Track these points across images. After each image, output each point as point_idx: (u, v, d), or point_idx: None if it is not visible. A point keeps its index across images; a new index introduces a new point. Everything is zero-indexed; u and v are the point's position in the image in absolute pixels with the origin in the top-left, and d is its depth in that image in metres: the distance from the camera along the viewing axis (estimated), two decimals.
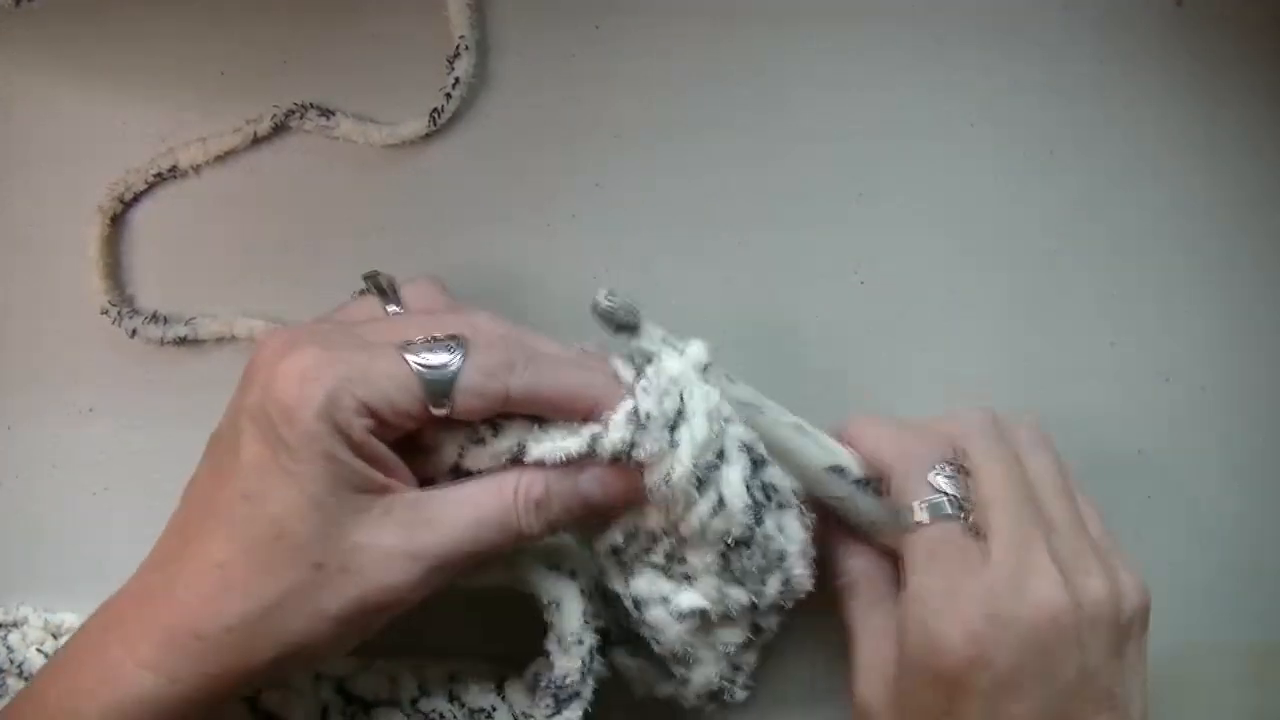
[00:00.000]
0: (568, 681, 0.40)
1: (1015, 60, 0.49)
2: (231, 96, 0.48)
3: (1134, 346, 0.49)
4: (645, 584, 0.41)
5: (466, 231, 0.48)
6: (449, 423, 0.38)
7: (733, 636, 0.42)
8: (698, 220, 0.49)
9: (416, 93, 0.48)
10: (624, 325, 0.40)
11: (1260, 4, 0.49)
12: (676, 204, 0.49)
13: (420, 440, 0.39)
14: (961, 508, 0.40)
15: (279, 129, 0.48)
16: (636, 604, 0.41)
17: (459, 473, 0.39)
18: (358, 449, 0.36)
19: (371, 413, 0.37)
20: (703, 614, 0.41)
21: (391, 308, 0.41)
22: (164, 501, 0.38)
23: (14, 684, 0.45)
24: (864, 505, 0.42)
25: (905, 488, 0.41)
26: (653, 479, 0.38)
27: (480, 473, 0.39)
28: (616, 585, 0.41)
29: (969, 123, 0.49)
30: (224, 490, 0.36)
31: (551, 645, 0.41)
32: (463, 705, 0.43)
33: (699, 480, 0.38)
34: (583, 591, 0.41)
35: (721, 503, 0.39)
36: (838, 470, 0.42)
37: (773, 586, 0.41)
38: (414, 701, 0.43)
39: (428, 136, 0.48)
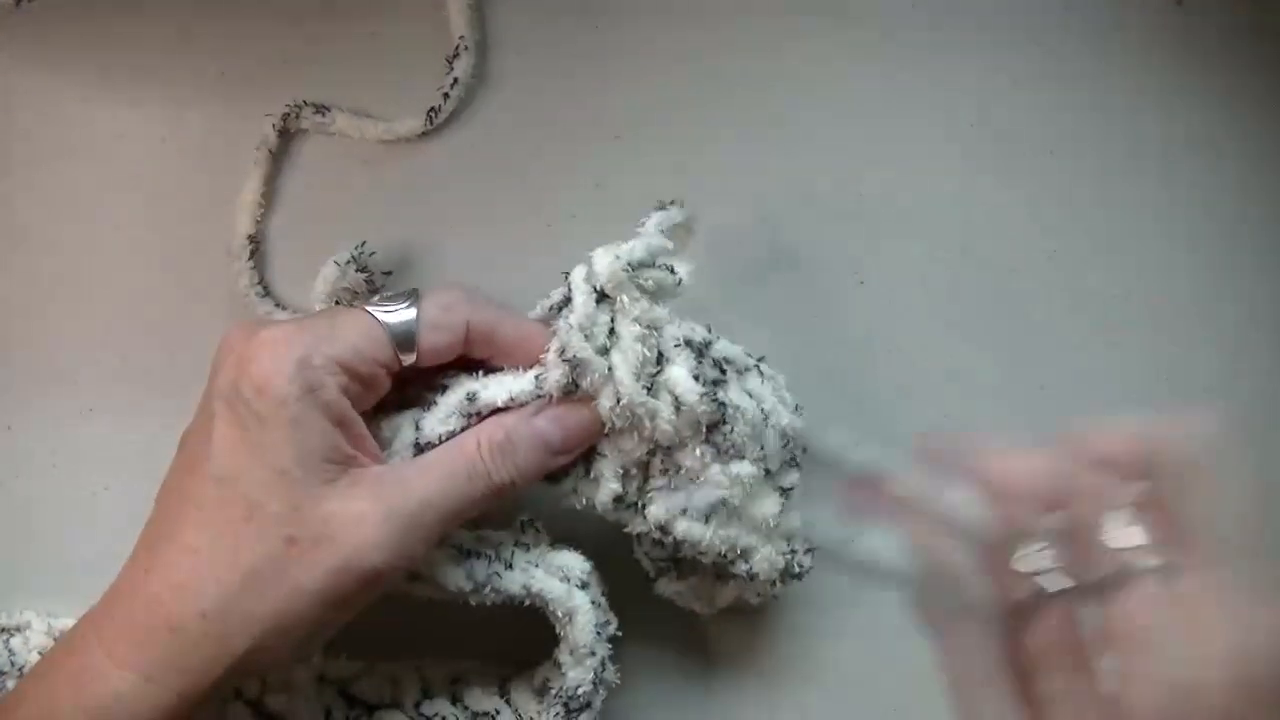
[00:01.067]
0: (580, 692, 0.40)
1: (1015, 60, 0.49)
2: (231, 96, 0.48)
3: (1134, 346, 0.49)
4: (659, 507, 0.41)
5: (466, 231, 0.48)
6: (404, 399, 0.40)
7: (767, 508, 0.41)
8: (697, 221, 0.48)
9: (417, 93, 0.48)
10: None
11: (1260, 4, 0.49)
12: None
13: (378, 431, 0.40)
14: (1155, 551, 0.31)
15: (283, 134, 0.48)
16: (663, 530, 0.41)
17: (419, 451, 0.40)
18: (328, 410, 0.37)
19: (343, 367, 0.37)
20: (724, 503, 0.40)
21: None
22: None
23: (14, 686, 0.45)
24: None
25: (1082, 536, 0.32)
26: (605, 407, 0.39)
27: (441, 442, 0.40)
28: (638, 527, 0.41)
29: (969, 123, 0.49)
30: (195, 478, 0.37)
31: (564, 656, 0.41)
32: (466, 708, 0.43)
33: (648, 389, 0.39)
34: (594, 603, 0.41)
35: (679, 401, 0.39)
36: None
37: (772, 445, 0.41)
38: (417, 705, 0.43)
39: (426, 135, 0.48)
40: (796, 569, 0.42)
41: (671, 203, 0.42)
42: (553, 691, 0.41)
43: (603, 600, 0.42)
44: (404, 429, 0.40)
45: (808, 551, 0.43)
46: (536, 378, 0.40)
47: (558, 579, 0.41)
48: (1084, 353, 0.49)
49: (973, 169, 0.49)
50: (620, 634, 0.42)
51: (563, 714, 0.40)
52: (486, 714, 0.43)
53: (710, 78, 0.49)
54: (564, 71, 0.49)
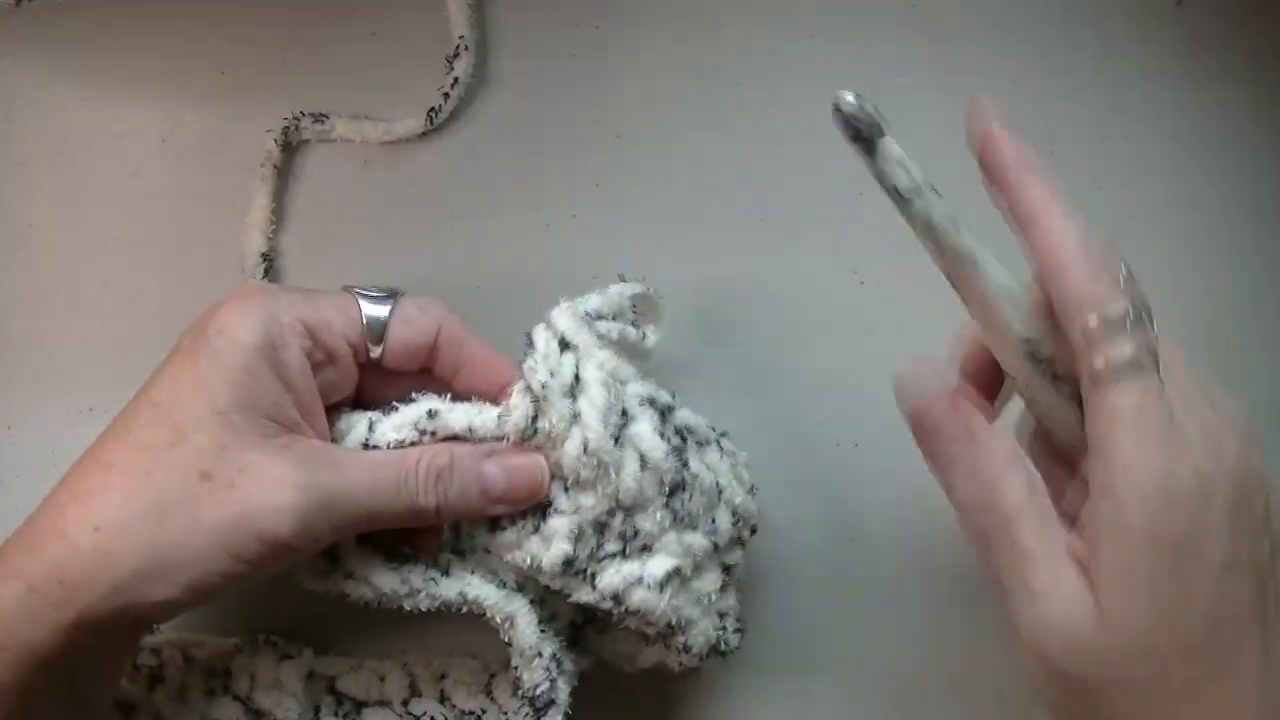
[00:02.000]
0: (539, 691, 0.40)
1: (1015, 60, 0.49)
2: (231, 96, 0.48)
3: None
4: (613, 576, 0.40)
5: (466, 231, 0.48)
6: (365, 394, 0.41)
7: (709, 584, 0.41)
8: (698, 220, 0.49)
9: (417, 92, 0.48)
10: (862, 137, 0.36)
11: (1260, 4, 0.49)
12: (676, 204, 0.49)
13: (334, 422, 0.40)
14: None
15: (286, 147, 0.48)
16: (616, 599, 0.40)
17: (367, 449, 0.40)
18: (284, 370, 0.37)
19: (310, 332, 0.38)
20: (678, 573, 0.40)
21: None
22: None
23: None
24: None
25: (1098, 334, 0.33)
26: (570, 455, 0.39)
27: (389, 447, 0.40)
28: (584, 596, 0.40)
29: None
30: (135, 402, 0.37)
31: (515, 659, 0.40)
32: (454, 706, 0.43)
33: (615, 440, 0.39)
34: (533, 602, 0.41)
35: (644, 457, 0.39)
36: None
37: (723, 521, 0.41)
38: (405, 703, 0.43)
39: (425, 135, 0.48)
40: (724, 647, 0.42)
41: (627, 279, 0.43)
42: (519, 693, 0.41)
43: (543, 596, 0.41)
44: (358, 426, 0.40)
45: (736, 630, 0.43)
46: (500, 415, 0.39)
47: (493, 585, 0.41)
48: None
49: (973, 169, 0.49)
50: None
51: (531, 714, 0.40)
52: (472, 713, 0.43)
53: (709, 78, 0.49)
54: (564, 71, 0.49)
